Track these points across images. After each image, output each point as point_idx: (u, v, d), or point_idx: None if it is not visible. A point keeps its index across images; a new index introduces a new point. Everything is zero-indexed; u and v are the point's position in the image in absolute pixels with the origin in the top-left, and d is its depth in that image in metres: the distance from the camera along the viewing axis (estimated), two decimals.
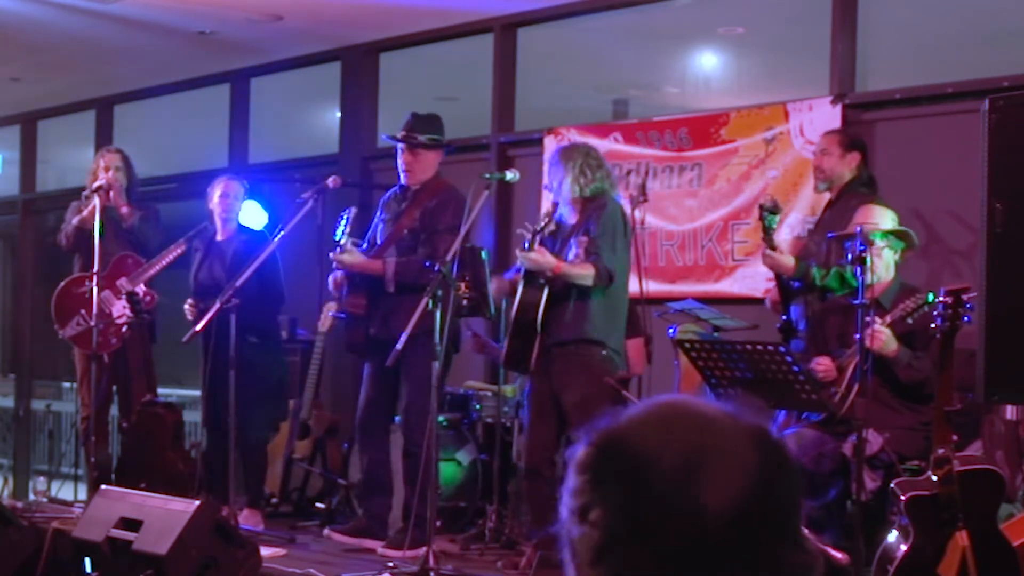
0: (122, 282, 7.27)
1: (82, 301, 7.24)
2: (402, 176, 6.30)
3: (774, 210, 5.56)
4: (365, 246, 6.40)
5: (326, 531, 6.40)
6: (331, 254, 6.20)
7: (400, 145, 6.27)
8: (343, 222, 6.17)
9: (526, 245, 5.52)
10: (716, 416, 1.31)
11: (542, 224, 5.50)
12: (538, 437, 5.73)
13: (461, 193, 6.21)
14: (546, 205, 5.51)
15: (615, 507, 1.27)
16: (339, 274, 6.30)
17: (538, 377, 5.71)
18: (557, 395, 5.66)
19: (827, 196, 6.01)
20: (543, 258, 5.48)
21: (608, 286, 5.60)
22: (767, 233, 5.56)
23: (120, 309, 7.23)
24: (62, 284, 7.50)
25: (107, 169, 7.48)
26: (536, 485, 5.70)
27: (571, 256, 5.59)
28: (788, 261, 5.63)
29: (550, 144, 7.70)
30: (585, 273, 5.54)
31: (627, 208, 6.54)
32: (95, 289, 7.08)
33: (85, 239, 7.31)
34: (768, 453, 1.29)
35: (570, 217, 5.74)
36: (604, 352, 5.64)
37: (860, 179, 5.86)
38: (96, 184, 7.28)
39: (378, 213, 6.52)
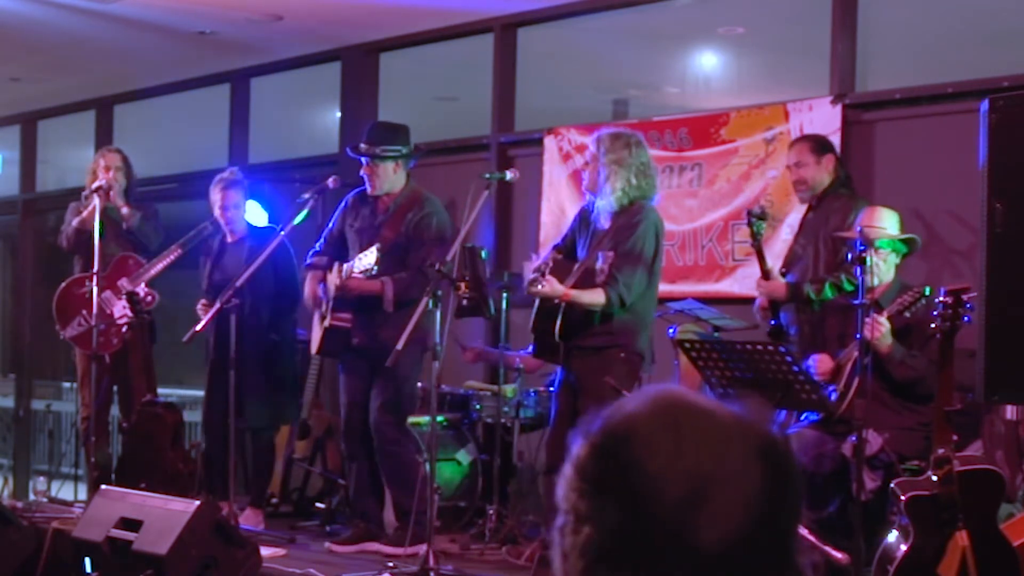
0: (123, 282, 7.27)
1: (83, 302, 7.24)
2: (367, 186, 6.30)
3: (763, 216, 5.57)
4: (323, 245, 6.39)
5: (327, 544, 6.33)
6: (338, 279, 6.14)
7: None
8: (362, 260, 6.14)
9: (529, 280, 5.43)
10: (726, 428, 1.26)
11: (544, 267, 5.40)
12: (559, 434, 5.71)
13: (440, 204, 6.23)
14: (543, 253, 5.38)
15: (609, 527, 1.24)
16: (315, 288, 6.28)
17: (563, 373, 5.69)
18: (576, 393, 5.63)
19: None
20: (551, 289, 5.39)
21: (621, 307, 5.46)
22: (755, 239, 5.57)
23: (121, 309, 7.22)
24: (63, 285, 7.50)
25: (107, 169, 7.47)
26: (554, 482, 5.66)
27: (598, 266, 5.50)
28: (780, 287, 5.65)
29: (551, 144, 7.72)
30: (595, 300, 5.42)
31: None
32: (95, 289, 7.09)
33: (86, 240, 7.31)
34: (775, 469, 1.26)
35: (603, 220, 5.59)
36: (623, 355, 5.51)
37: (839, 180, 5.86)
38: (96, 184, 7.28)
39: (341, 209, 6.44)
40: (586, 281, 5.49)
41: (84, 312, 7.25)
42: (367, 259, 5.82)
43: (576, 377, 5.58)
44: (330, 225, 6.47)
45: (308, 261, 6.43)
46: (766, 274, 5.70)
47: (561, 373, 5.71)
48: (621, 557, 1.24)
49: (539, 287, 5.35)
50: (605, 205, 5.55)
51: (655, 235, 5.53)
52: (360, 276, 5.96)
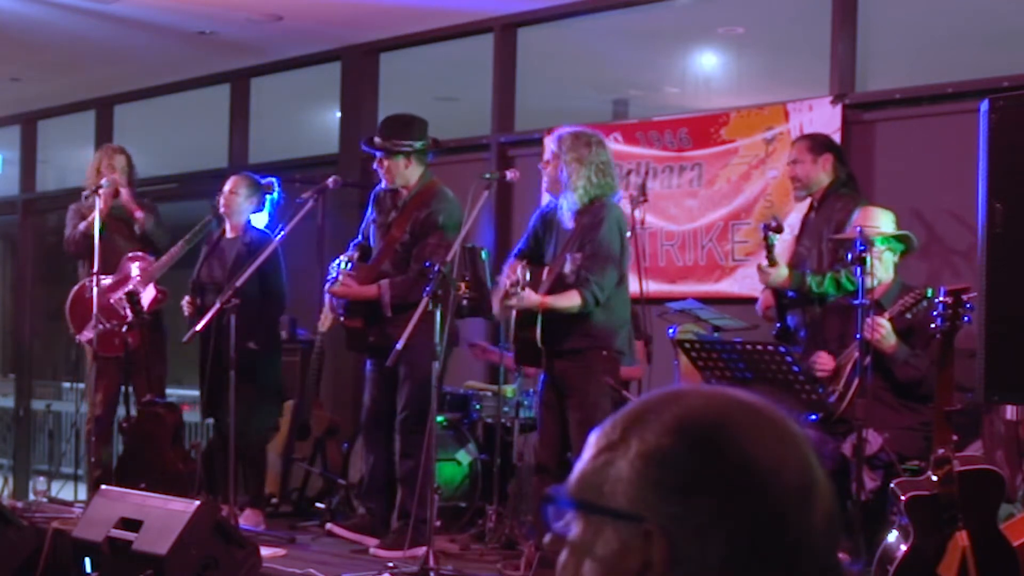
0: (135, 281, 7.25)
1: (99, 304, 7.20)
2: (383, 180, 6.31)
3: (779, 229, 5.57)
4: (360, 237, 6.40)
5: (328, 525, 6.38)
6: (327, 288, 6.20)
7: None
8: (345, 259, 6.16)
9: (505, 295, 5.48)
10: (795, 424, 1.24)
11: (521, 282, 5.45)
12: (548, 435, 5.73)
13: (452, 197, 6.21)
14: (517, 270, 5.50)
15: (739, 524, 1.16)
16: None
17: (548, 375, 5.71)
18: (560, 395, 5.66)
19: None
20: (527, 301, 5.47)
21: (596, 306, 5.52)
22: (770, 251, 5.58)
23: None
24: (75, 288, 7.48)
25: (113, 169, 7.47)
26: (545, 482, 5.69)
27: (567, 268, 5.55)
28: (782, 274, 5.62)
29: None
30: (571, 304, 5.48)
31: (626, 208, 6.56)
32: (95, 290, 7.11)
33: (92, 243, 7.32)
34: (822, 465, 1.24)
35: (567, 220, 5.66)
36: (605, 353, 5.60)
37: (840, 180, 5.87)
38: (97, 185, 7.31)
39: (369, 208, 6.48)
40: (559, 285, 5.55)
41: (98, 314, 7.21)
42: (341, 262, 6.11)
43: (561, 380, 5.61)
44: (362, 224, 6.50)
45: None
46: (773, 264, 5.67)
47: (544, 376, 5.76)
48: (750, 558, 1.16)
49: (514, 301, 5.42)
50: (568, 204, 5.62)
51: (618, 231, 5.60)
52: (348, 280, 6.09)
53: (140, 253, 7.45)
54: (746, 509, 1.16)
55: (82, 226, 7.43)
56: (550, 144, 5.73)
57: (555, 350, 5.59)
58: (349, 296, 6.19)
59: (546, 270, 5.68)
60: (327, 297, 6.40)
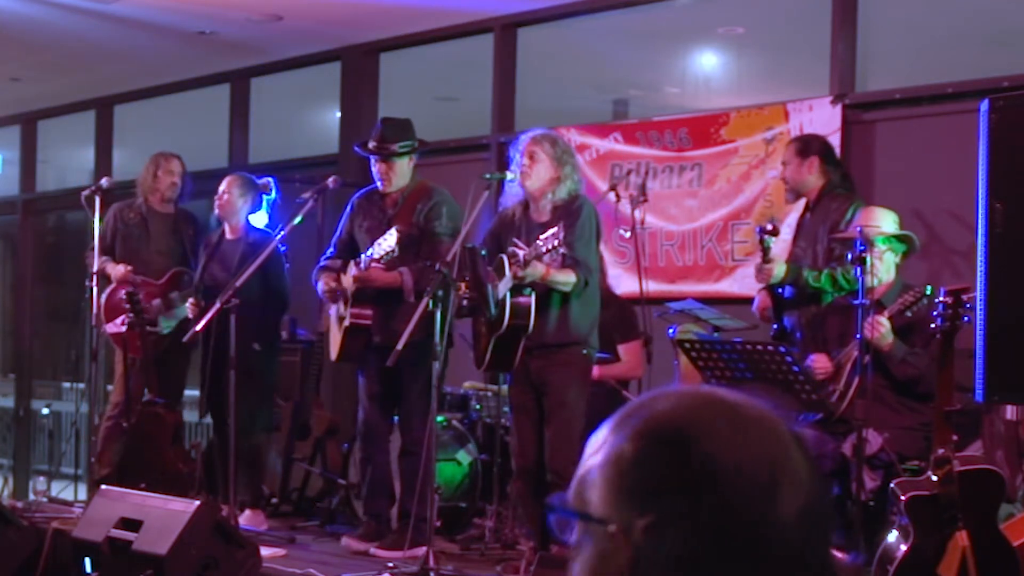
0: (174, 296, 7.26)
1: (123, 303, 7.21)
2: (379, 184, 6.30)
3: (774, 232, 5.58)
4: (333, 251, 6.37)
5: (344, 540, 6.29)
6: (352, 272, 6.14)
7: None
8: (389, 243, 6.14)
9: (522, 262, 5.48)
10: (767, 417, 1.26)
11: (544, 249, 5.45)
12: (525, 437, 5.72)
13: (448, 194, 6.22)
14: (550, 232, 5.43)
15: (698, 523, 1.18)
16: (330, 283, 6.25)
17: (518, 377, 5.72)
18: (538, 392, 5.65)
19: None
20: (536, 270, 5.48)
21: (585, 288, 5.59)
22: (766, 255, 5.59)
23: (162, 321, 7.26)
24: (112, 284, 7.46)
25: (171, 174, 7.47)
26: (529, 485, 5.69)
27: (546, 259, 5.56)
28: (780, 273, 5.64)
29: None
30: (568, 279, 5.52)
31: (626, 208, 6.55)
32: (95, 290, 7.12)
33: (129, 242, 7.34)
34: (807, 453, 1.25)
35: (539, 213, 5.70)
36: (584, 351, 5.64)
37: (833, 181, 5.86)
38: (97, 184, 7.36)
39: (348, 213, 6.43)
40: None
41: (129, 313, 7.19)
42: (386, 243, 5.86)
43: (538, 378, 5.62)
44: (338, 231, 6.45)
45: (321, 264, 6.40)
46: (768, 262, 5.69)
47: (512, 379, 5.77)
48: (716, 556, 1.18)
49: (529, 270, 5.41)
50: (545, 202, 5.67)
51: (596, 220, 5.72)
52: (380, 265, 5.99)
53: (187, 269, 7.46)
54: (703, 508, 1.19)
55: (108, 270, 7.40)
56: (533, 147, 5.70)
57: (535, 345, 5.59)
58: (377, 282, 6.15)
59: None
60: (326, 298, 6.36)
